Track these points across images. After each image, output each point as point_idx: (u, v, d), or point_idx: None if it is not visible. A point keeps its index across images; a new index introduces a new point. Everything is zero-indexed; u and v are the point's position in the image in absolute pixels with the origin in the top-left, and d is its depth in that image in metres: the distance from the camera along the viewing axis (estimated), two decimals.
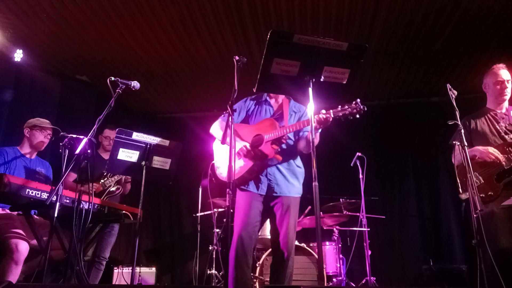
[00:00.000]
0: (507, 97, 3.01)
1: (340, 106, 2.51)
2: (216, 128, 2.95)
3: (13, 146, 3.46)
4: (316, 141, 2.57)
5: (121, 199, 4.08)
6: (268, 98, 2.97)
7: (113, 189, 3.89)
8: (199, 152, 4.99)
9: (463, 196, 2.82)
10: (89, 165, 2.63)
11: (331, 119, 2.49)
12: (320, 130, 2.64)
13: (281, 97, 2.96)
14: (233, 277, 2.50)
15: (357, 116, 2.46)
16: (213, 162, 3.03)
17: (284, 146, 2.76)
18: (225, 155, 2.85)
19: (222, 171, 2.87)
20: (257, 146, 2.72)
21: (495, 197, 2.73)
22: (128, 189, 4.15)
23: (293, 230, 2.66)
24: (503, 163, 2.74)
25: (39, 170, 3.49)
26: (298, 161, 2.87)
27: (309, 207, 4.39)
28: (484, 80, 3.12)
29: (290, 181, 2.76)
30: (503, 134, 2.89)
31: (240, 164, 2.75)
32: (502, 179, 2.75)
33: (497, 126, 2.93)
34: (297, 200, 2.78)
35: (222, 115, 2.94)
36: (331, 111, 2.50)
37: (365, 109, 2.45)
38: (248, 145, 2.70)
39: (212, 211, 4.59)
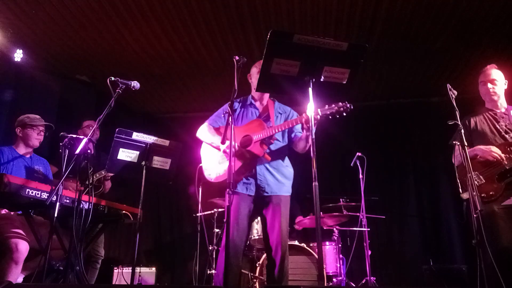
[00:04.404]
0: (495, 97, 2.98)
1: (327, 105, 2.53)
2: (204, 132, 2.98)
3: (10, 145, 3.41)
4: (309, 142, 2.59)
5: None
6: (253, 101, 3.00)
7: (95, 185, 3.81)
8: (199, 152, 4.98)
9: (465, 196, 2.81)
10: (89, 165, 2.63)
11: (318, 118, 2.50)
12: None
13: (266, 99, 2.99)
14: (224, 279, 2.53)
15: (344, 114, 2.49)
16: (200, 165, 3.04)
17: (272, 147, 2.79)
18: (213, 157, 2.90)
19: (210, 173, 2.89)
20: (246, 147, 2.73)
21: (497, 197, 2.72)
22: (108, 187, 4.05)
23: (285, 228, 2.69)
24: (505, 162, 2.73)
25: (38, 169, 3.45)
26: (287, 161, 2.91)
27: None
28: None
29: (280, 180, 2.79)
30: (503, 133, 2.88)
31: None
32: (503, 179, 2.74)
33: (497, 126, 2.92)
34: (287, 198, 2.80)
35: (208, 120, 3.02)
36: (318, 109, 2.52)
37: (352, 107, 2.49)
38: (237, 145, 2.70)
39: (212, 211, 4.59)
